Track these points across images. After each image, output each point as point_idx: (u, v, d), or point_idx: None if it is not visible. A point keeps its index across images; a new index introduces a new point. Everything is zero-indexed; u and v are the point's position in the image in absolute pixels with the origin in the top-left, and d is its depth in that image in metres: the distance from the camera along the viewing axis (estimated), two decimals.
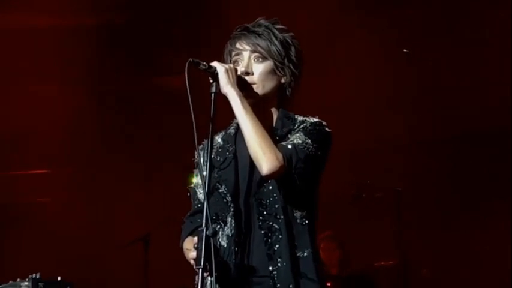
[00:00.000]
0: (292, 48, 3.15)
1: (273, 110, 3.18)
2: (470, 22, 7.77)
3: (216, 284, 2.88)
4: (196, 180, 3.24)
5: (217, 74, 2.97)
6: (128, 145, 8.30)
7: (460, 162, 8.23)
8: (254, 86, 3.09)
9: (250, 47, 3.12)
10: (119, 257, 7.91)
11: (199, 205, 3.20)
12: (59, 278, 3.95)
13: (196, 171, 3.23)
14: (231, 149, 3.15)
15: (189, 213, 3.24)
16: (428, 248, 7.99)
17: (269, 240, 2.98)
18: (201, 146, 3.15)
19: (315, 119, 3.12)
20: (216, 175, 3.09)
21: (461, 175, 8.20)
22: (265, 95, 3.12)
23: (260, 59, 3.11)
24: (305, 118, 3.13)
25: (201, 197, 3.18)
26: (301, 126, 3.08)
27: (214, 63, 3.00)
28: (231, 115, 3.07)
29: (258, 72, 3.10)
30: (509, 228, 7.69)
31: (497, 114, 7.97)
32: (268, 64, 3.11)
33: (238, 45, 3.14)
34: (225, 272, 2.99)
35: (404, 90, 8.05)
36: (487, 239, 7.85)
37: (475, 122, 8.14)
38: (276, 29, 3.14)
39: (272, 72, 3.12)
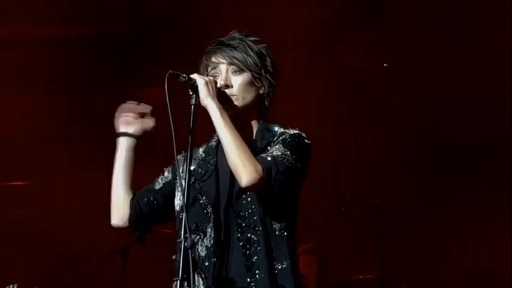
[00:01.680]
0: (268, 59, 3.18)
1: (253, 122, 3.20)
2: (457, 37, 7.86)
3: None
4: (165, 173, 3.30)
5: (197, 86, 2.99)
6: (108, 157, 8.27)
7: (440, 175, 8.26)
8: (234, 98, 3.11)
9: (226, 59, 3.14)
10: (97, 268, 7.87)
11: (149, 188, 3.30)
12: None
13: (169, 168, 3.29)
14: (212, 161, 3.16)
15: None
16: (407, 262, 7.99)
17: (247, 252, 2.99)
18: (182, 154, 3.16)
19: (295, 131, 3.14)
20: (198, 186, 3.11)
21: (441, 189, 8.23)
22: (245, 107, 3.13)
23: (238, 72, 3.14)
24: (285, 130, 3.14)
25: (159, 185, 3.26)
26: (281, 138, 3.09)
27: (194, 76, 3.01)
28: (213, 127, 3.09)
29: (237, 84, 3.12)
30: (490, 239, 7.72)
31: (477, 127, 8.02)
32: (246, 76, 3.14)
33: (214, 59, 3.16)
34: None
35: (384, 104, 8.09)
36: (468, 253, 7.87)
37: (455, 135, 8.19)
38: (251, 40, 3.17)
39: (250, 83, 3.14)
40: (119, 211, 3.25)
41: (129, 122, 3.26)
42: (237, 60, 3.13)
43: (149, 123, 3.25)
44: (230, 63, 3.13)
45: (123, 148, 3.26)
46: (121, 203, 3.24)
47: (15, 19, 7.80)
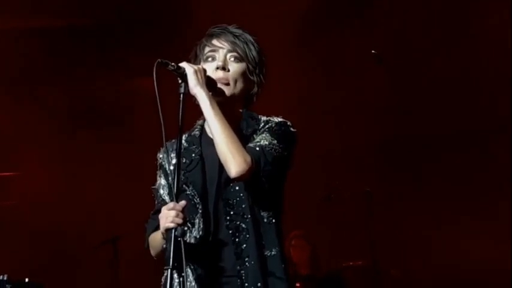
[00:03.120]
0: (263, 59, 3.22)
1: (238, 111, 3.19)
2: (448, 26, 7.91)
3: (186, 283, 2.89)
4: (159, 180, 3.24)
5: (186, 74, 2.98)
6: (97, 146, 8.26)
7: (429, 163, 8.29)
8: (225, 84, 3.11)
9: (229, 45, 3.15)
10: (88, 258, 7.87)
11: (162, 204, 3.20)
12: (26, 280, 3.92)
13: (159, 172, 3.24)
14: (196, 150, 3.15)
15: (152, 212, 3.23)
16: (397, 248, 8.02)
17: (237, 240, 2.99)
18: (163, 148, 3.16)
19: (280, 119, 3.15)
20: (183, 177, 3.09)
21: (431, 176, 8.26)
22: (233, 95, 3.13)
23: (237, 59, 3.15)
24: (269, 118, 3.16)
25: (166, 197, 3.18)
26: (267, 126, 3.10)
27: (183, 64, 3.00)
28: (195, 117, 3.08)
29: (234, 70, 3.14)
30: (479, 227, 7.75)
31: (466, 116, 8.06)
32: (243, 66, 3.16)
33: (215, 42, 3.16)
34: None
35: (374, 93, 8.11)
36: (458, 239, 7.90)
37: (443, 123, 8.22)
38: (253, 38, 3.21)
39: (245, 74, 3.16)
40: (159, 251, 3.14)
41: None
42: (239, 48, 3.15)
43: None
44: (231, 50, 3.15)
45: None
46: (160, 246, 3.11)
47: (2, 9, 7.77)
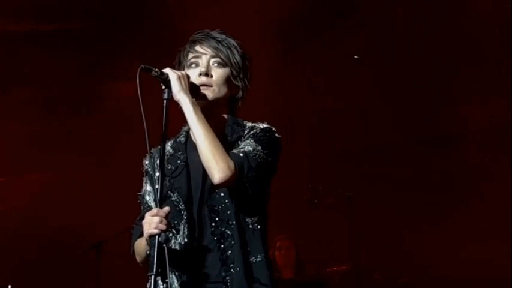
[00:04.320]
0: (247, 63, 3.21)
1: (223, 116, 3.19)
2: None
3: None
4: (145, 187, 3.23)
5: (169, 80, 2.97)
6: (81, 151, 8.24)
7: (412, 166, 8.32)
8: (209, 89, 3.10)
9: (211, 50, 3.15)
10: (71, 265, 7.84)
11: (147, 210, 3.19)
12: (9, 287, 3.90)
13: (145, 178, 3.23)
14: (182, 157, 3.15)
15: (138, 218, 3.22)
16: (380, 253, 8.04)
17: (222, 246, 2.99)
18: (150, 154, 3.14)
19: (264, 125, 3.14)
20: (168, 183, 3.09)
21: (412, 180, 8.30)
22: (216, 100, 3.13)
23: (220, 65, 3.15)
24: (254, 124, 3.15)
25: (152, 204, 3.17)
26: (251, 132, 3.09)
27: (167, 70, 3.00)
28: (180, 122, 3.08)
29: (217, 75, 3.13)
30: (461, 228, 7.80)
31: (448, 120, 8.10)
32: (226, 71, 3.15)
33: (198, 48, 3.16)
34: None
35: (356, 97, 8.15)
36: (440, 242, 7.94)
37: (425, 127, 8.26)
38: (236, 42, 3.20)
39: (229, 79, 3.15)
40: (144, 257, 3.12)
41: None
42: (222, 54, 3.14)
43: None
44: (214, 56, 3.14)
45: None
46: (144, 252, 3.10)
47: None
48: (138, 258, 3.15)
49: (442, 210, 7.97)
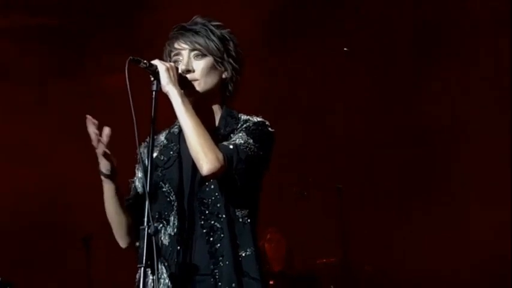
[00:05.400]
0: (231, 43, 3.16)
1: (217, 108, 3.17)
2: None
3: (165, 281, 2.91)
4: (137, 174, 3.24)
5: (158, 72, 2.96)
6: (72, 144, 8.21)
7: (403, 159, 8.34)
8: (196, 83, 3.09)
9: (188, 45, 3.11)
10: (60, 258, 7.83)
11: (132, 199, 3.20)
12: None
13: (138, 166, 3.23)
14: (175, 148, 3.14)
15: (125, 199, 3.20)
16: (370, 245, 8.06)
17: (211, 239, 2.98)
18: (145, 143, 3.15)
19: (259, 119, 3.12)
20: (160, 174, 3.09)
21: (401, 172, 8.32)
22: (207, 92, 3.11)
23: (200, 56, 3.11)
24: (248, 117, 3.13)
25: (140, 189, 3.19)
26: (244, 125, 3.08)
27: (155, 62, 2.98)
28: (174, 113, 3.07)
29: (199, 68, 3.10)
30: (451, 223, 7.83)
31: (445, 112, 8.14)
32: (208, 60, 3.11)
33: (176, 45, 3.13)
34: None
35: (347, 89, 8.16)
36: (430, 236, 7.97)
37: (415, 120, 8.28)
38: (213, 25, 3.15)
39: (213, 67, 3.12)
40: (124, 237, 3.15)
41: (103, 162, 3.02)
42: (199, 45, 3.10)
43: (112, 159, 3.02)
44: (192, 49, 3.11)
45: (107, 193, 3.09)
46: (122, 229, 3.13)
47: None
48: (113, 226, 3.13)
49: (433, 204, 8.00)
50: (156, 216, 3.04)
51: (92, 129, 2.96)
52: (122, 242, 3.17)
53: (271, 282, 6.96)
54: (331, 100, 8.25)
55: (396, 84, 8.24)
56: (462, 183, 7.96)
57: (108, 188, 3.06)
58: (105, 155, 2.97)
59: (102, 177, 3.04)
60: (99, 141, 2.95)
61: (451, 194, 7.95)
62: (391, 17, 8.11)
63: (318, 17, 8.14)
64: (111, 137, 2.97)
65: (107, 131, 2.97)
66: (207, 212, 3.01)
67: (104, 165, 3.00)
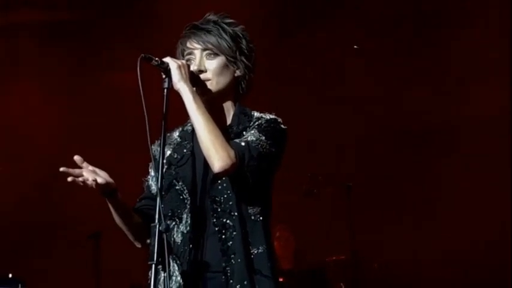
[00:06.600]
0: (243, 41, 3.15)
1: (229, 105, 3.17)
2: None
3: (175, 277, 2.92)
4: (151, 172, 3.25)
5: (169, 69, 2.96)
6: (80, 141, 8.23)
7: (411, 156, 8.34)
8: (208, 83, 3.08)
9: (200, 45, 3.11)
10: (70, 254, 7.86)
11: (144, 198, 3.22)
12: (10, 275, 3.91)
13: (151, 164, 3.22)
14: (188, 146, 3.14)
15: (138, 199, 3.24)
16: (379, 243, 8.06)
17: (223, 237, 2.98)
18: (158, 142, 3.13)
19: (271, 116, 3.11)
20: (173, 172, 3.09)
21: (411, 170, 8.31)
22: (220, 91, 3.11)
23: (212, 56, 3.11)
24: (261, 115, 3.12)
25: (154, 187, 3.19)
26: (257, 123, 3.07)
27: (167, 59, 2.98)
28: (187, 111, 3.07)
29: (211, 68, 3.10)
30: (459, 217, 7.82)
31: (447, 110, 8.12)
32: (220, 59, 3.11)
33: (189, 45, 3.13)
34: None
35: (355, 86, 8.16)
36: (438, 233, 7.96)
37: (423, 118, 8.28)
38: (225, 23, 3.14)
39: (225, 67, 3.11)
40: (138, 239, 3.17)
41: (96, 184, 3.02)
42: (211, 44, 3.10)
43: (103, 175, 3.04)
44: (204, 48, 3.10)
45: (111, 208, 3.10)
46: (134, 234, 3.15)
47: None
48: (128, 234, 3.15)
49: (442, 201, 7.99)
50: (169, 214, 3.04)
51: (71, 178, 2.98)
52: (137, 243, 3.19)
53: (280, 280, 6.97)
54: (339, 95, 8.25)
55: (406, 85, 8.24)
56: (466, 183, 7.95)
57: (111, 204, 3.07)
58: (95, 182, 2.96)
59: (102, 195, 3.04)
60: (84, 181, 2.97)
61: (457, 194, 7.94)
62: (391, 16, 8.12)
63: (317, 17, 8.16)
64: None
65: (78, 160, 2.99)
66: (219, 209, 3.01)
67: (98, 189, 3.00)
